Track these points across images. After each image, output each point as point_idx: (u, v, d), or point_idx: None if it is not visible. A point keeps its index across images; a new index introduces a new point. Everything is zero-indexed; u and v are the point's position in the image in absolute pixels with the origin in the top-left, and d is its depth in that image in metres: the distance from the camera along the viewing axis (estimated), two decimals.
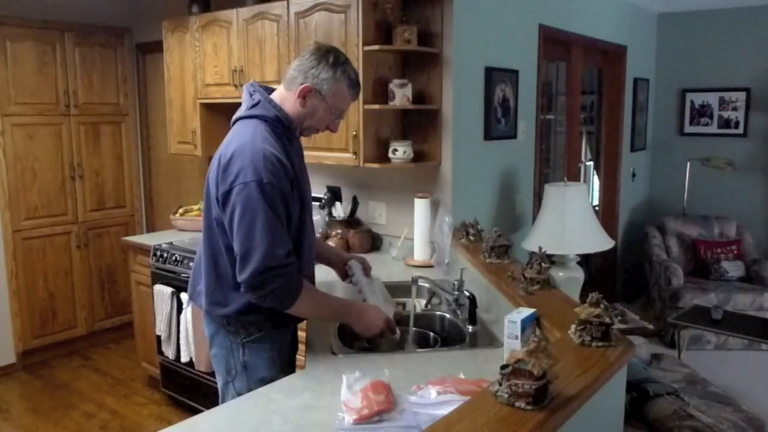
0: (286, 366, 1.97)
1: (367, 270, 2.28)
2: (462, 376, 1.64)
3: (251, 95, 1.87)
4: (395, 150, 3.00)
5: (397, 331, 2.03)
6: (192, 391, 3.50)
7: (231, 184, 1.70)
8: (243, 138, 1.76)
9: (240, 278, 1.72)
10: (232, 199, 1.70)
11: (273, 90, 1.92)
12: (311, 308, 1.87)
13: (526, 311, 1.75)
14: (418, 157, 3.11)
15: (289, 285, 1.74)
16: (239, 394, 1.91)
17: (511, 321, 1.69)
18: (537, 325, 1.82)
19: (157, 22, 4.05)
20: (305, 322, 2.21)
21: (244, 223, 1.69)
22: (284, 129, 1.84)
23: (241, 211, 1.69)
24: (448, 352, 2.01)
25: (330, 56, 1.83)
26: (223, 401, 1.96)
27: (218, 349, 1.95)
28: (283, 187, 1.72)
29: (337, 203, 3.39)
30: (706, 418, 2.47)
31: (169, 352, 3.48)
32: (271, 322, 1.88)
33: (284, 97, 1.86)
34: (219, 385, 1.99)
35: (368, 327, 1.93)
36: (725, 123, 5.43)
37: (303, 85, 1.82)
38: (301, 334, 2.26)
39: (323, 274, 2.81)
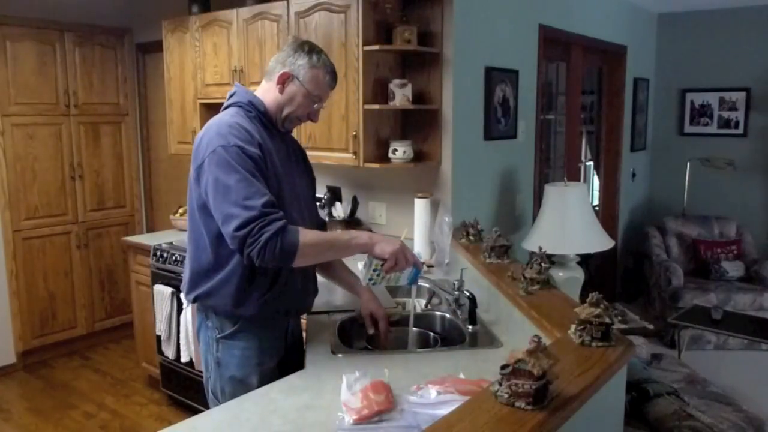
0: (265, 366, 1.87)
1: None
2: (462, 376, 1.64)
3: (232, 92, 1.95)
4: (395, 150, 3.00)
5: (417, 258, 1.89)
6: (192, 391, 3.49)
7: (202, 157, 1.74)
8: (213, 120, 1.84)
9: (229, 243, 1.68)
10: (204, 171, 1.72)
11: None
12: (316, 251, 1.77)
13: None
14: (418, 157, 3.11)
15: (282, 234, 1.64)
16: (213, 393, 1.90)
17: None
18: (537, 326, 1.82)
19: (157, 22, 4.05)
20: (304, 321, 2.21)
21: (219, 187, 1.68)
22: (259, 113, 1.87)
23: (213, 177, 1.70)
24: (448, 352, 2.01)
25: (306, 46, 1.90)
26: (207, 399, 1.96)
27: (202, 345, 1.94)
28: (250, 151, 1.72)
29: (337, 203, 3.39)
30: (706, 418, 2.47)
31: (169, 352, 3.48)
32: (247, 314, 1.82)
33: (265, 89, 1.91)
34: None
35: (384, 247, 1.80)
36: (725, 123, 5.43)
37: (281, 72, 1.87)
38: None
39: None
